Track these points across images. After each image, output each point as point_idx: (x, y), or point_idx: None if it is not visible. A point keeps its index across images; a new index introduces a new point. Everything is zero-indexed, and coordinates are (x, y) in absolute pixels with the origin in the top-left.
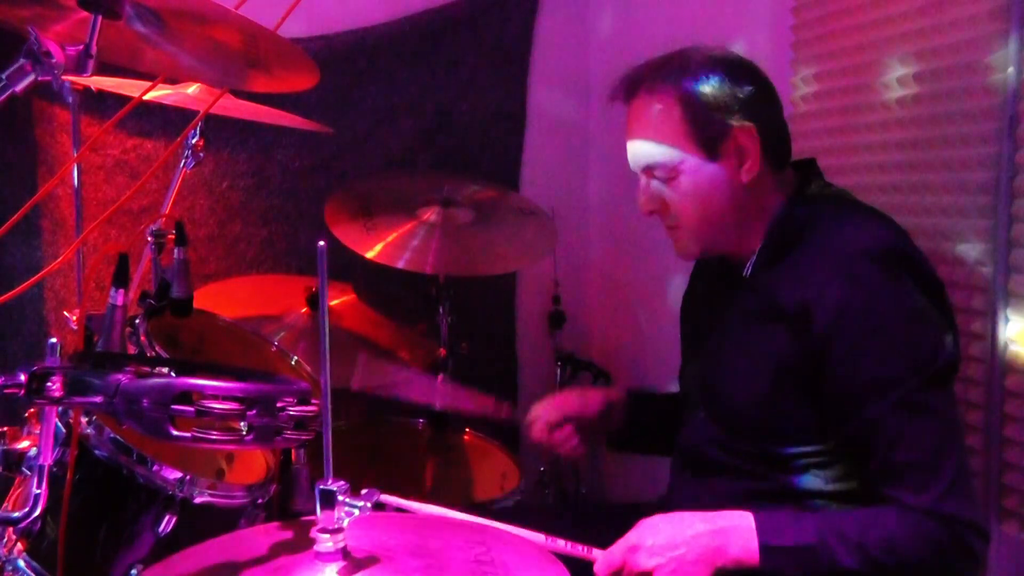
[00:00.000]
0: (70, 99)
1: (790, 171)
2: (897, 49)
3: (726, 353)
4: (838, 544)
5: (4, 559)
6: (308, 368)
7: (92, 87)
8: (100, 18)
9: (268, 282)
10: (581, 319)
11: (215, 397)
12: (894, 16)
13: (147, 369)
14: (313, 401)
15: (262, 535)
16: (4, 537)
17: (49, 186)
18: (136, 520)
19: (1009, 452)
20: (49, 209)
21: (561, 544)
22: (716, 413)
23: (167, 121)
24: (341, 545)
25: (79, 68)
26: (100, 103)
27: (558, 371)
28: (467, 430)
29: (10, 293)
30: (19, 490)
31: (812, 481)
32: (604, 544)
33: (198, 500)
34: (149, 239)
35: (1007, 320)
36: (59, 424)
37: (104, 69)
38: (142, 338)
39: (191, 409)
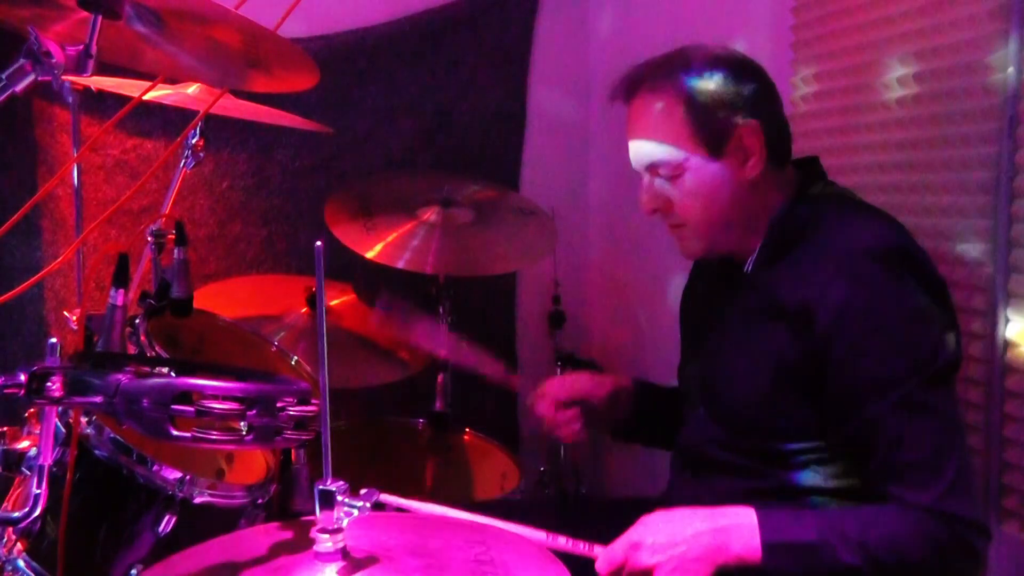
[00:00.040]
0: (70, 99)
1: (791, 170)
2: (897, 49)
3: (726, 352)
4: (839, 542)
5: (4, 559)
6: (308, 368)
7: (92, 87)
8: (100, 18)
9: (268, 282)
10: (581, 319)
11: (215, 397)
12: (894, 16)
13: (147, 369)
14: (313, 401)
15: (262, 535)
16: (4, 537)
17: (49, 186)
18: (136, 520)
19: (1009, 452)
20: (49, 209)
21: (562, 542)
22: (716, 411)
23: (167, 121)
24: (341, 545)
25: (79, 68)
26: (100, 103)
27: (558, 371)
28: (467, 430)
29: (10, 293)
30: (19, 490)
31: (811, 478)
32: (605, 541)
33: (198, 500)
34: (149, 239)
35: (1007, 320)
36: (59, 424)
37: (104, 69)
38: (142, 338)
39: (191, 409)
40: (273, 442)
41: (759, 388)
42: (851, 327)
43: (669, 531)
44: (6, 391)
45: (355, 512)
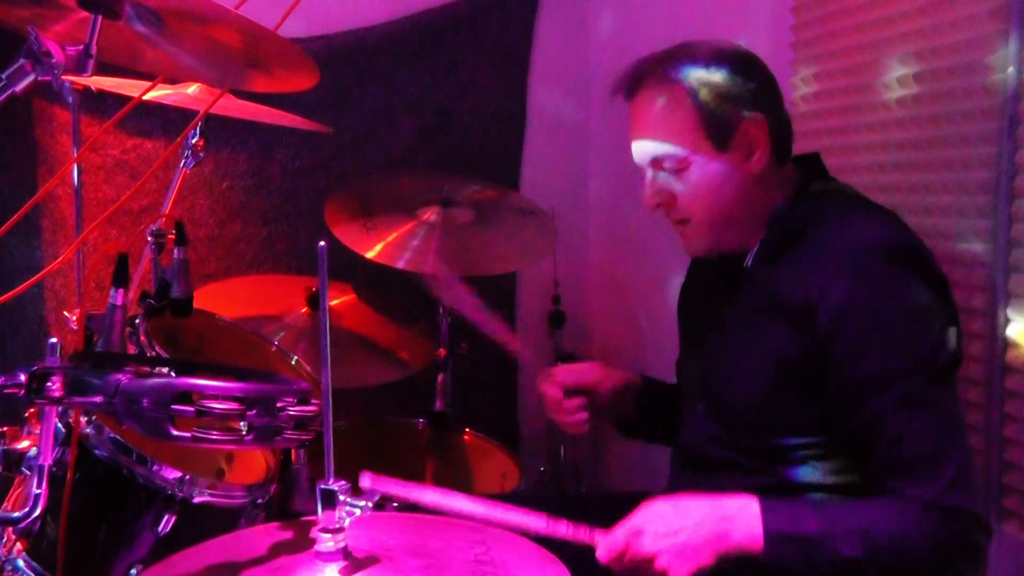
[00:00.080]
0: (70, 99)
1: (792, 166)
2: (897, 49)
3: (726, 351)
4: (842, 534)
5: (4, 559)
6: (308, 368)
7: (92, 87)
8: (100, 18)
9: (268, 282)
10: (581, 319)
11: (215, 397)
12: (894, 16)
13: (147, 369)
14: (313, 401)
15: (262, 535)
16: (4, 537)
17: (49, 186)
18: (136, 520)
19: (1009, 452)
20: (49, 209)
21: (563, 529)
22: (716, 410)
23: (167, 121)
24: (342, 545)
25: (79, 68)
26: (100, 103)
27: None
28: (467, 430)
29: (10, 293)
30: (19, 490)
31: (810, 474)
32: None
33: (198, 500)
34: (149, 239)
35: (1007, 320)
36: (59, 424)
37: (104, 69)
38: (142, 338)
39: (191, 409)
40: (273, 442)
41: (760, 387)
42: (853, 325)
43: (671, 518)
44: (6, 391)
45: (356, 512)
